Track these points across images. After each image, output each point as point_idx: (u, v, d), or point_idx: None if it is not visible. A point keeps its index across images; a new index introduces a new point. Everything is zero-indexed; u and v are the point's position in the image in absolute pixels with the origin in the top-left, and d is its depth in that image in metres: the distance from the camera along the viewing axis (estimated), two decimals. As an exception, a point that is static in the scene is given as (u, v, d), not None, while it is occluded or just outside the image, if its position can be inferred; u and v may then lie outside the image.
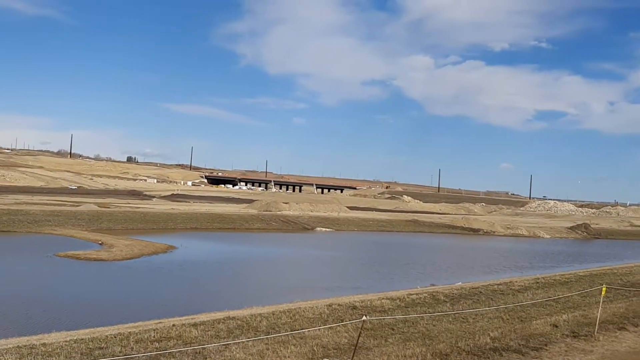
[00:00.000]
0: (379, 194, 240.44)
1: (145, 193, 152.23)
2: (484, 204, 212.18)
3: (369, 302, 21.80)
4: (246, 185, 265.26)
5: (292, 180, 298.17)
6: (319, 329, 16.14)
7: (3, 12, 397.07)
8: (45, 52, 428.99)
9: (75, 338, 14.98)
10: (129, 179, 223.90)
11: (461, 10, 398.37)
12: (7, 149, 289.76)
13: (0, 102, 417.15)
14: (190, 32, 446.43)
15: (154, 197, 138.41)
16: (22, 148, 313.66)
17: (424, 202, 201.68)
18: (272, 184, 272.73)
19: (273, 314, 18.72)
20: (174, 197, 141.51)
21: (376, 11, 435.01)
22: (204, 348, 13.63)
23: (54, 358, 13.04)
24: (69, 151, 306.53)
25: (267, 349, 13.97)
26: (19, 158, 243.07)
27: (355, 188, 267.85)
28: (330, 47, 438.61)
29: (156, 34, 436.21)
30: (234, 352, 13.58)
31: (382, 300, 22.36)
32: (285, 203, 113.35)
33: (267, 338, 14.80)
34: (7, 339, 18.16)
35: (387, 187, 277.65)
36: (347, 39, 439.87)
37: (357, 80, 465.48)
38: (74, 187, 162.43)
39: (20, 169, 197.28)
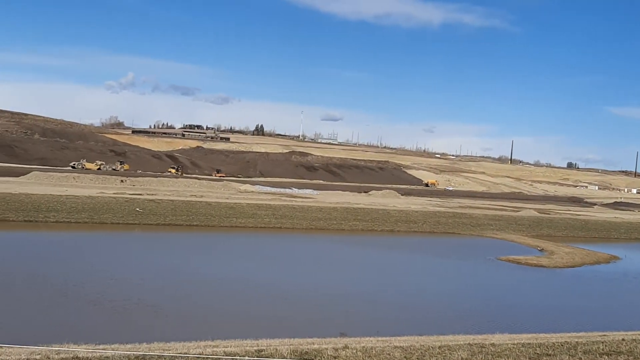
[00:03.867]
0: None
1: (585, 200, 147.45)
2: None
3: None
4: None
5: None
6: None
7: (453, 26, 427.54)
8: (489, 61, 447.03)
9: (522, 342, 15.35)
10: (568, 186, 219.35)
11: None
12: (452, 156, 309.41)
13: (446, 111, 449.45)
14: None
15: (595, 204, 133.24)
16: (466, 154, 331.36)
17: None
18: None
19: None
20: (617, 205, 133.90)
21: None
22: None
23: (502, 359, 13.51)
24: (509, 157, 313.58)
25: None
26: (463, 164, 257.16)
27: None
28: None
29: (598, 34, 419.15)
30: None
31: None
32: None
33: None
34: (455, 335, 19.48)
35: None
36: None
37: None
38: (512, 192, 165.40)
39: (463, 174, 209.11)
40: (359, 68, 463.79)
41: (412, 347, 15.99)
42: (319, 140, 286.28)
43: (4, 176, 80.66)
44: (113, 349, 14.37)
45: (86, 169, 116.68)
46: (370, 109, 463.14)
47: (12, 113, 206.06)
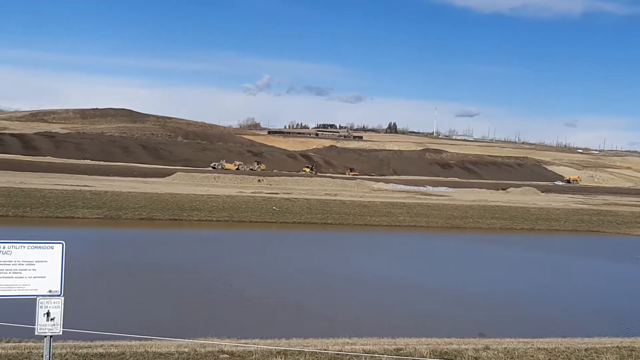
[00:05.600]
0: None
1: None
2: None
3: None
4: None
5: None
6: None
7: (595, 15, 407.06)
8: (636, 51, 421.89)
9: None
10: None
11: None
12: (595, 150, 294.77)
13: (589, 103, 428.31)
14: None
15: None
16: (610, 149, 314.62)
17: None
18: None
19: None
20: None
21: None
22: None
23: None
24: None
25: None
26: (607, 159, 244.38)
27: None
28: None
29: None
30: None
31: None
32: None
33: None
34: (601, 337, 18.44)
35: None
36: None
37: None
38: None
39: (608, 169, 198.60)
40: (496, 62, 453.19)
41: (556, 350, 15.31)
42: (454, 137, 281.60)
43: (151, 177, 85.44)
44: (254, 344, 14.71)
45: (225, 169, 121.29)
46: (508, 103, 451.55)
47: (157, 117, 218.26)
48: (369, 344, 15.76)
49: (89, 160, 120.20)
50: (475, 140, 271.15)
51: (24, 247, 8.68)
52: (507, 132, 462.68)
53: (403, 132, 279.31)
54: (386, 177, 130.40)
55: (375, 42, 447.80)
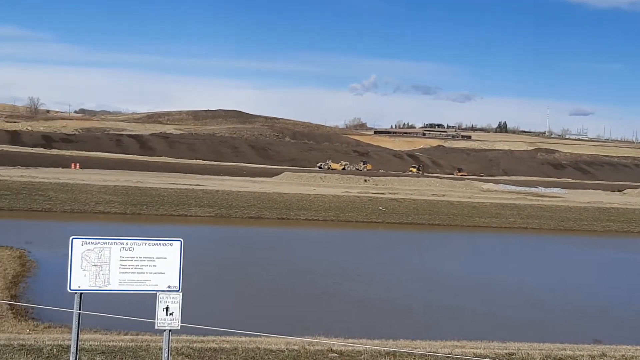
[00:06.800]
0: None
1: None
2: None
3: None
4: None
5: None
6: None
7: None
8: None
9: None
10: None
11: None
12: None
13: None
14: None
15: None
16: None
17: None
18: None
19: None
20: None
21: None
22: None
23: None
24: None
25: None
26: None
27: None
28: None
29: None
30: None
31: None
32: None
33: None
34: None
35: None
36: None
37: None
38: None
39: None
40: (612, 59, 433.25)
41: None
42: (567, 137, 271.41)
43: (259, 177, 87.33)
44: (362, 344, 14.72)
45: (332, 169, 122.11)
46: (624, 102, 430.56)
47: (265, 118, 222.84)
48: (479, 348, 15.44)
49: (200, 160, 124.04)
50: (590, 140, 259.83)
51: (145, 243, 9.05)
52: (623, 132, 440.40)
53: (513, 132, 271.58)
54: (495, 178, 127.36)
55: (485, 40, 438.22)
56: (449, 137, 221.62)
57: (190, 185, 65.21)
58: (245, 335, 14.42)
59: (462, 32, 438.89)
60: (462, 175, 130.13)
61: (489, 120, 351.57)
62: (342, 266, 34.78)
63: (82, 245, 8.90)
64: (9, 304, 21.26)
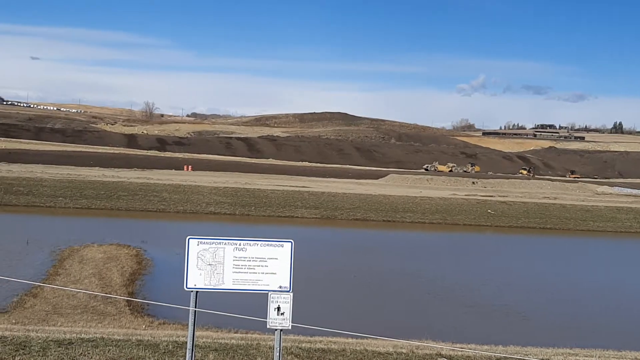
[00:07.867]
0: None
1: None
2: None
3: None
4: None
5: None
6: None
7: None
8: None
9: None
10: None
11: None
12: None
13: None
14: None
15: None
16: None
17: None
18: None
19: None
20: None
21: None
22: None
23: None
24: None
25: None
26: None
27: None
28: None
29: None
30: None
31: None
32: None
33: None
34: None
35: None
36: None
37: None
38: None
39: None
40: None
41: None
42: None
43: (364, 179, 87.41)
44: (470, 348, 14.47)
45: (438, 171, 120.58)
46: None
47: (371, 120, 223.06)
48: (593, 356, 14.86)
49: (306, 162, 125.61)
50: None
51: (257, 244, 9.27)
52: None
53: (630, 132, 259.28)
54: (610, 180, 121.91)
55: (599, 37, 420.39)
56: (561, 138, 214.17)
57: (297, 187, 66.14)
58: (353, 336, 14.48)
59: (574, 30, 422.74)
60: (575, 177, 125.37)
61: (604, 121, 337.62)
62: (450, 269, 34.31)
63: (198, 245, 9.21)
64: (127, 301, 22.33)
